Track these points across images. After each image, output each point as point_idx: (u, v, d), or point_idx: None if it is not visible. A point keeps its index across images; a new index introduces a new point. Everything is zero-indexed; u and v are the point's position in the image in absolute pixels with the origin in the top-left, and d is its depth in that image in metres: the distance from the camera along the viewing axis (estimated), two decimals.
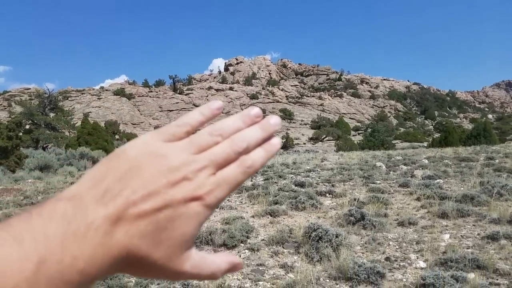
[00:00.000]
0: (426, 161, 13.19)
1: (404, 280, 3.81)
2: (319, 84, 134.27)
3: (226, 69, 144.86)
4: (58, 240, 0.29)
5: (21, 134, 19.59)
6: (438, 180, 8.65)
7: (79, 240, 0.29)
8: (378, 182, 9.30)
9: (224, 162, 0.34)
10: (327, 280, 3.88)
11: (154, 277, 0.35)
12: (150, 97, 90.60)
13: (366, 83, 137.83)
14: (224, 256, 0.38)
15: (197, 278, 0.36)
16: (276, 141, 0.37)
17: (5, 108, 74.18)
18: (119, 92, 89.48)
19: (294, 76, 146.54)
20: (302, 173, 11.55)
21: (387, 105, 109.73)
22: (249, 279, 3.98)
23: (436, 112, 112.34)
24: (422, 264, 4.14)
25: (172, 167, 0.33)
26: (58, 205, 0.31)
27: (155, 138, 0.34)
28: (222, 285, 3.73)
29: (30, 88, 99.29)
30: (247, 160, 0.35)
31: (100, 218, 0.30)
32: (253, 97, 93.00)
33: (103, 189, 0.31)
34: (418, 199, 7.13)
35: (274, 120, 0.38)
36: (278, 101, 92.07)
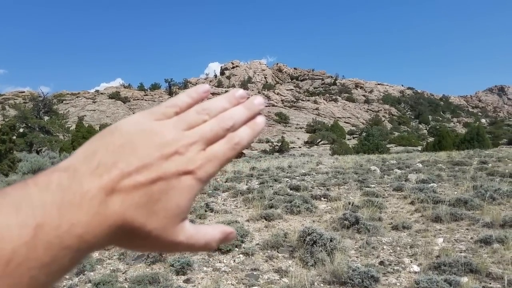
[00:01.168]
0: (420, 165, 13.26)
1: (398, 284, 3.82)
2: (314, 88, 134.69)
3: (222, 73, 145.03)
4: (55, 207, 0.30)
5: (14, 137, 19.46)
6: (432, 184, 8.70)
7: (75, 208, 0.30)
8: (373, 186, 9.34)
9: (213, 138, 0.36)
10: (322, 285, 3.88)
11: (150, 249, 0.36)
12: (146, 100, 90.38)
13: (361, 87, 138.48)
14: (217, 226, 0.39)
15: (192, 249, 0.37)
16: (261, 120, 0.39)
17: None
18: (114, 96, 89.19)
19: (290, 80, 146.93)
20: (297, 177, 11.56)
21: (381, 109, 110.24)
22: (244, 284, 3.97)
23: (430, 116, 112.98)
24: (416, 268, 4.16)
25: (164, 142, 0.34)
26: (53, 175, 0.32)
27: (146, 117, 0.36)
28: None
29: (24, 91, 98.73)
30: (234, 137, 0.37)
31: (95, 188, 0.31)
32: None
33: (97, 162, 0.32)
34: (412, 203, 7.16)
35: (258, 100, 0.39)
36: (273, 105, 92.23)
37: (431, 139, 48.15)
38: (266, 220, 6.36)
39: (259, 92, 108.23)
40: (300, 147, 52.60)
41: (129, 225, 0.32)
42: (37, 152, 25.91)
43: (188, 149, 0.34)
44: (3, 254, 0.27)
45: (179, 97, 0.38)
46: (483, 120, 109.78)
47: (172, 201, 0.33)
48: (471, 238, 5.00)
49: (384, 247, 4.90)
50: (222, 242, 0.39)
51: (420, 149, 35.85)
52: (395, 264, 4.31)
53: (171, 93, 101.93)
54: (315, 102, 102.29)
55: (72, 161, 0.33)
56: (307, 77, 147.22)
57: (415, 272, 4.05)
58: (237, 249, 4.98)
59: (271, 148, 46.54)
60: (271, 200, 7.63)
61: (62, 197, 0.30)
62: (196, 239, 0.36)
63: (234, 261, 4.62)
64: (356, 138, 54.90)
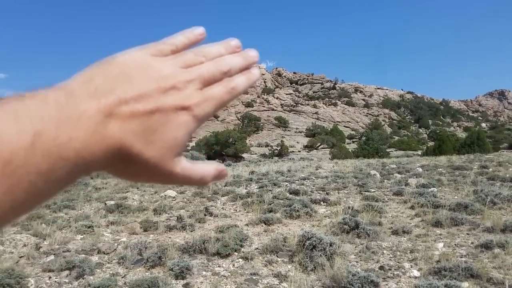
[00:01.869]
0: (420, 170, 13.25)
1: None
2: (313, 92, 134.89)
3: None
4: (53, 120, 0.30)
5: None
6: (432, 189, 8.68)
7: (73, 124, 0.31)
8: (373, 190, 9.32)
9: (210, 80, 0.37)
10: None
11: (147, 179, 0.37)
12: None
13: (360, 91, 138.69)
14: (211, 163, 0.40)
15: (188, 182, 0.38)
16: (256, 71, 0.40)
17: None
18: None
19: (289, 84, 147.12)
20: (296, 181, 11.54)
21: (381, 114, 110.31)
22: None
23: (430, 120, 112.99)
24: (416, 273, 4.14)
25: (162, 75, 0.35)
26: (50, 92, 0.32)
27: (143, 51, 0.36)
28: None
29: None
30: (231, 81, 0.38)
31: (92, 109, 0.32)
32: (248, 105, 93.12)
33: (94, 86, 0.33)
34: (412, 207, 7.15)
35: (253, 52, 0.41)
36: (273, 109, 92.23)
37: (431, 144, 48.11)
38: (265, 224, 6.34)
39: (258, 97, 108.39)
40: (299, 151, 52.54)
41: (127, 150, 0.33)
42: None
43: (185, 85, 0.35)
44: (2, 155, 0.28)
45: (176, 36, 0.39)
46: (483, 125, 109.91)
47: (169, 134, 0.34)
48: (472, 243, 4.98)
49: (384, 251, 4.88)
50: (216, 178, 0.40)
51: (420, 154, 35.82)
52: (395, 269, 4.29)
53: None
54: (314, 106, 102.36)
55: (69, 83, 0.33)
56: (306, 82, 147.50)
57: (415, 277, 4.04)
58: (236, 253, 4.96)
59: (270, 152, 46.49)
60: (270, 204, 7.62)
61: (60, 112, 0.31)
62: (191, 172, 0.37)
63: (234, 265, 4.60)
64: (355, 142, 54.83)
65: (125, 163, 0.34)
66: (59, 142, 0.30)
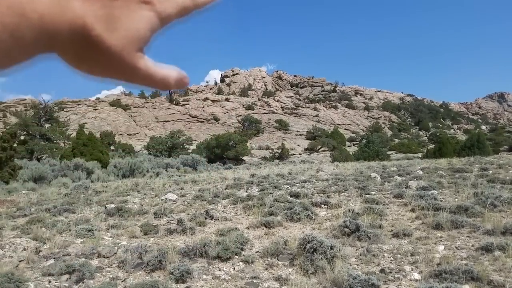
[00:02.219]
0: (421, 172, 13.24)
1: None
2: (314, 95, 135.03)
3: (222, 81, 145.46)
4: None
5: (15, 145, 19.48)
6: (432, 191, 8.67)
7: None
8: (373, 193, 9.31)
9: None
10: None
11: (109, 71, 0.37)
12: (146, 108, 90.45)
13: (360, 94, 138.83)
14: (174, 68, 0.41)
15: (150, 82, 0.38)
16: None
17: (0, 119, 73.65)
18: (115, 103, 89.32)
19: (290, 87, 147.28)
20: (297, 184, 11.54)
21: (381, 116, 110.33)
22: None
23: (430, 123, 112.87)
24: (416, 276, 4.13)
25: None
26: None
27: None
28: None
29: (25, 99, 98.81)
30: None
31: None
32: (249, 107, 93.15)
33: None
34: (412, 210, 7.14)
35: None
36: (273, 112, 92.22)
37: (431, 146, 48.10)
38: (266, 227, 6.33)
39: (259, 100, 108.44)
40: (300, 154, 52.51)
41: (88, 31, 0.33)
42: (38, 160, 25.89)
43: None
44: None
45: None
46: (483, 127, 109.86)
47: (132, 24, 0.35)
48: (472, 245, 4.97)
49: (385, 254, 4.87)
50: (179, 83, 0.41)
51: (420, 156, 35.79)
52: (396, 272, 4.28)
53: (171, 101, 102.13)
54: (315, 109, 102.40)
55: None
56: (307, 84, 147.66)
57: (416, 280, 4.03)
58: (237, 256, 4.95)
59: (271, 155, 46.50)
60: (271, 207, 7.61)
61: None
62: (154, 71, 0.38)
63: (234, 269, 4.59)
64: (356, 145, 54.79)
65: (88, 47, 0.34)
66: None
